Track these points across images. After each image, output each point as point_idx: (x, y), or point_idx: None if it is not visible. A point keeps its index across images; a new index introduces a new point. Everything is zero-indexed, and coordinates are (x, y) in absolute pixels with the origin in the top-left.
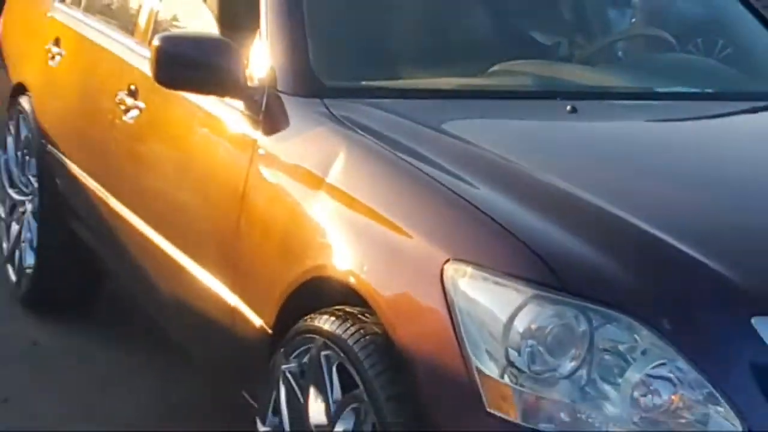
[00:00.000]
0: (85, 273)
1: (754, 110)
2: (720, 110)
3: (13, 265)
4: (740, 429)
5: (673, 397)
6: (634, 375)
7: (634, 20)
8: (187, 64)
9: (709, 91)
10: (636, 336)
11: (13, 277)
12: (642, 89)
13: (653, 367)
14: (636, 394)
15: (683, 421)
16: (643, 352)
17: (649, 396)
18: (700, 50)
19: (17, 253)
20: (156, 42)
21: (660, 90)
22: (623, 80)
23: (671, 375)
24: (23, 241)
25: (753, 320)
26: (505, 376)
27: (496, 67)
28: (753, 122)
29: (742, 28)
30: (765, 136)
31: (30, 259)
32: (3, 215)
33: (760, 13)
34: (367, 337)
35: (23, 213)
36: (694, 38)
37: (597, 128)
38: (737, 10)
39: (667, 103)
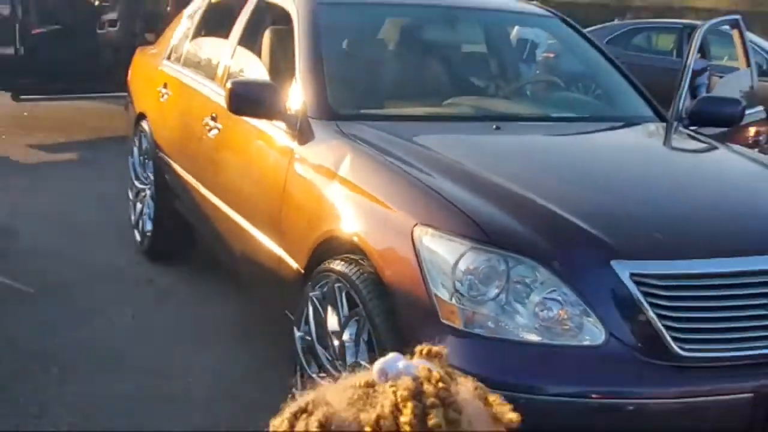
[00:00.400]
0: (184, 236)
1: (612, 127)
2: (590, 128)
3: (138, 230)
4: (603, 332)
5: (560, 311)
6: (535, 298)
7: (537, 71)
8: (249, 100)
9: (584, 115)
10: (537, 273)
11: (138, 238)
12: (542, 114)
13: (548, 293)
14: (536, 310)
15: (566, 327)
16: (542, 283)
17: (545, 311)
18: (580, 90)
19: (140, 222)
20: (228, 85)
21: (554, 115)
22: (530, 109)
23: (559, 298)
24: (144, 215)
25: (612, 262)
26: (453, 299)
27: (449, 101)
28: (611, 134)
29: (606, 76)
30: (617, 143)
31: (148, 226)
32: (132, 197)
33: (618, 65)
34: (365, 275)
35: (144, 196)
36: (576, 83)
37: (513, 139)
38: (603, 65)
39: (558, 123)
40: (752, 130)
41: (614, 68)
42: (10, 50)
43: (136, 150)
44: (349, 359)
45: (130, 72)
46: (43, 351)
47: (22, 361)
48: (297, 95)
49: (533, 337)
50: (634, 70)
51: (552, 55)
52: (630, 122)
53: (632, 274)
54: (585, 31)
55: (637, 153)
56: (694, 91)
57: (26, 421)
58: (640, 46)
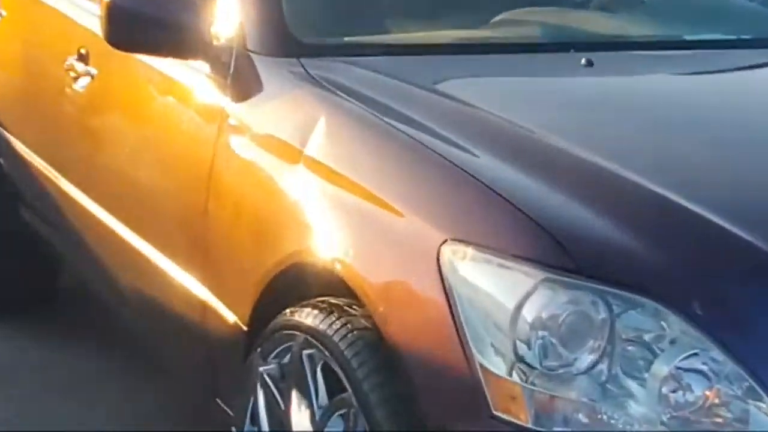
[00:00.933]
0: (38, 267)
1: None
2: (759, 59)
3: None
4: None
5: (707, 392)
6: (661, 368)
7: None
8: (143, 22)
9: (747, 37)
10: (663, 323)
11: None
12: (669, 37)
13: (684, 359)
14: (664, 390)
15: (720, 419)
16: (672, 342)
17: (680, 392)
18: None
19: None
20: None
21: (689, 38)
22: (647, 28)
23: (705, 367)
24: None
25: None
26: (514, 374)
27: (500, 17)
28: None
29: None
30: None
31: None
32: None
33: None
34: (355, 332)
35: None
36: None
37: (616, 84)
38: None
39: (698, 53)
40: None
41: None
42: None
43: None
44: None
45: None
46: None
47: None
48: (229, 12)
49: None
50: None
51: None
52: None
53: None
54: None
55: None
56: None
57: None
58: None
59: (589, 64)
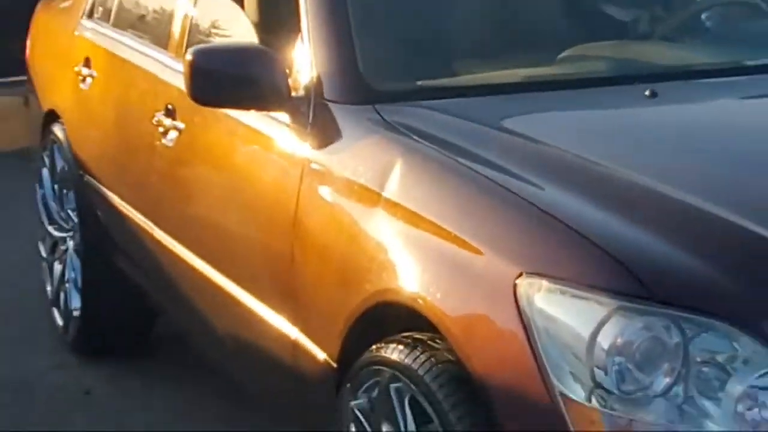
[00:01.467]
0: (135, 312)
1: None
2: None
3: (59, 309)
4: None
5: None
6: (736, 387)
7: None
8: (223, 79)
9: None
10: (735, 344)
11: (60, 322)
12: (730, 63)
13: (758, 377)
14: (740, 408)
15: None
16: (745, 362)
17: (756, 409)
18: None
19: (62, 295)
20: (189, 56)
21: (751, 63)
22: (709, 55)
23: None
24: (67, 282)
25: None
26: (593, 399)
27: (566, 53)
28: None
29: None
30: None
31: (76, 301)
32: (44, 254)
33: None
34: (439, 366)
35: (65, 251)
36: None
37: (680, 113)
38: None
39: (761, 78)
40: None
41: None
42: None
43: (46, 173)
44: None
45: (29, 43)
46: None
47: None
48: (306, 65)
49: None
50: None
51: None
52: None
53: None
54: None
55: None
56: None
57: None
58: None
59: (653, 95)
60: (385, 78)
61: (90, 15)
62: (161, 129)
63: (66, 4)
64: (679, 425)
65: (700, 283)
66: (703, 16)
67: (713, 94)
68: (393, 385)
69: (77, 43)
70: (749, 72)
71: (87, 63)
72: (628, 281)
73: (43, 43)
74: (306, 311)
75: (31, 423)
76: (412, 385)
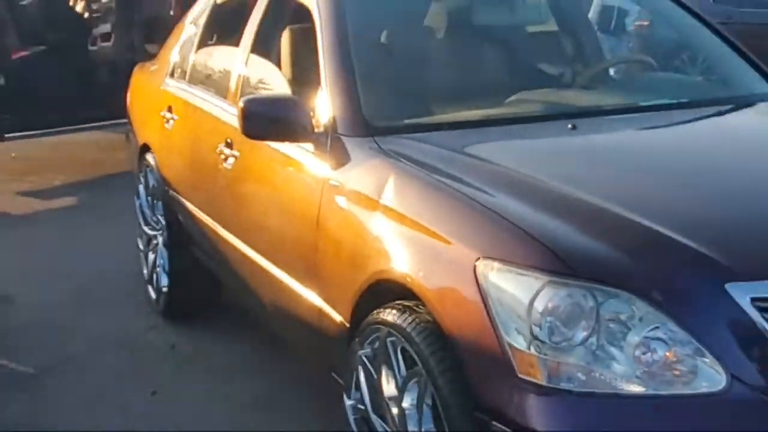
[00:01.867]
0: (206, 287)
1: (720, 112)
2: (692, 115)
3: (152, 286)
4: (723, 375)
5: (667, 353)
6: (634, 338)
7: (630, 45)
8: (266, 120)
9: (684, 100)
10: (633, 307)
11: (153, 295)
12: (630, 104)
13: (649, 331)
14: (637, 353)
15: (677, 372)
16: (640, 319)
17: (648, 354)
18: (679, 68)
19: (154, 276)
20: (241, 103)
21: (644, 103)
22: (615, 98)
23: (664, 336)
24: (158, 266)
25: (727, 286)
26: (531, 348)
27: (512, 98)
28: (720, 121)
29: (710, 46)
30: (728, 133)
31: (164, 281)
32: (141, 247)
33: (723, 33)
34: (421, 325)
35: (156, 244)
36: (673, 60)
37: (593, 140)
38: (705, 32)
39: (651, 114)
40: None
41: (720, 37)
42: None
43: (142, 189)
44: (412, 429)
45: (128, 94)
46: None
47: None
48: (324, 109)
49: (636, 388)
50: (752, 32)
51: (644, 25)
52: (743, 103)
53: (753, 299)
54: None
55: (755, 144)
56: None
57: None
58: (758, 0)
59: (574, 127)
60: (381, 118)
61: (171, 75)
62: (222, 156)
63: (154, 67)
64: (594, 365)
65: (608, 263)
66: (610, 71)
67: (617, 126)
68: (389, 339)
69: (162, 95)
70: (643, 110)
71: (169, 109)
72: (556, 262)
73: (139, 95)
74: (327, 286)
75: (133, 370)
76: (403, 339)
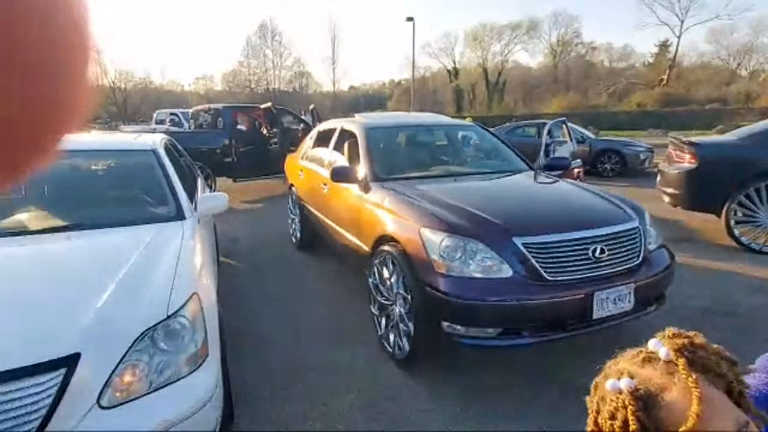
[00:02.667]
0: (314, 238)
1: (507, 174)
2: (498, 175)
3: (294, 237)
4: (511, 270)
5: (490, 263)
6: (478, 257)
7: (472, 150)
8: (340, 174)
9: (494, 170)
10: (478, 246)
11: (294, 240)
12: (475, 171)
13: (484, 255)
14: (479, 263)
15: (494, 269)
16: (480, 251)
17: (483, 262)
18: (492, 158)
19: (294, 232)
20: (330, 168)
21: (480, 171)
22: (469, 169)
23: (488, 256)
24: (296, 230)
25: (513, 238)
26: (440, 260)
27: (431, 169)
28: (508, 177)
29: (504, 151)
30: (511, 181)
31: (298, 235)
32: (290, 222)
33: (509, 145)
34: (399, 251)
35: (294, 220)
36: (489, 155)
37: (462, 183)
38: (501, 146)
39: (483, 174)
40: (575, 172)
41: (507, 146)
42: (230, 158)
43: (290, 200)
44: (395, 289)
45: (285, 165)
46: (252, 294)
47: (246, 293)
48: (362, 170)
49: (479, 275)
50: (517, 146)
51: (479, 142)
52: (516, 171)
53: (523, 243)
54: (492, 129)
55: (522, 185)
56: (548, 153)
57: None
58: (520, 134)
59: (455, 180)
60: (383, 174)
61: (302, 157)
62: (322, 188)
63: (295, 154)
64: (462, 267)
65: (467, 229)
66: (466, 159)
67: (470, 179)
68: (387, 256)
69: (299, 164)
70: (480, 173)
71: (301, 170)
72: (448, 228)
73: (289, 165)
74: (363, 237)
75: (287, 269)
76: (392, 256)
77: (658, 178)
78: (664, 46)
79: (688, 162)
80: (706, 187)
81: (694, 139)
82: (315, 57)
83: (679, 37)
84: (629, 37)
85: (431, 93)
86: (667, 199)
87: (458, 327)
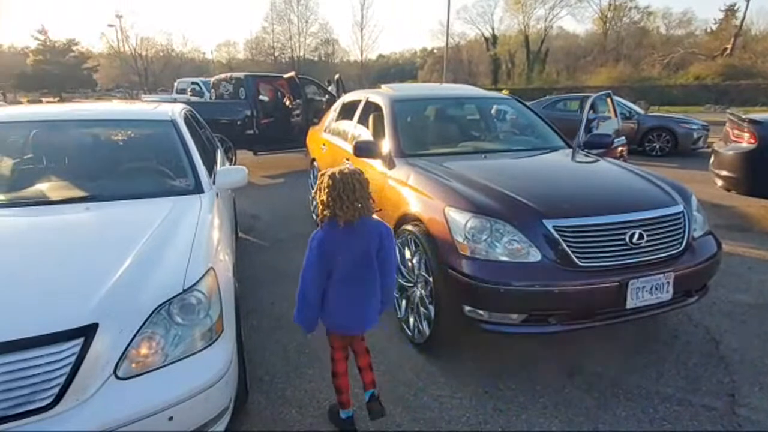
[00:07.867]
0: None
1: (543, 152)
2: (533, 153)
3: (313, 213)
4: (540, 255)
5: (518, 246)
6: (505, 239)
7: (507, 126)
8: (364, 149)
9: (529, 147)
10: (506, 227)
11: (313, 217)
12: (508, 148)
13: (511, 237)
14: (506, 245)
15: (522, 253)
16: (508, 232)
17: (510, 245)
18: (527, 134)
19: (313, 208)
20: (354, 143)
21: (514, 148)
22: (501, 146)
23: (516, 239)
24: (314, 204)
25: (543, 220)
26: (464, 241)
27: (460, 144)
28: (543, 156)
29: (540, 127)
30: (546, 159)
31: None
32: (310, 198)
33: (547, 121)
34: (421, 231)
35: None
36: (525, 131)
37: (493, 161)
38: (539, 121)
39: (516, 152)
40: (618, 150)
41: (545, 122)
42: (251, 131)
43: (311, 175)
44: (416, 271)
45: (307, 138)
46: (271, 268)
47: (264, 271)
48: (387, 146)
49: (505, 259)
50: (557, 122)
51: (514, 117)
52: (553, 149)
53: (554, 226)
54: (529, 103)
55: (557, 164)
56: (590, 130)
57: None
58: (561, 109)
59: (485, 157)
60: (408, 150)
61: (325, 130)
62: (346, 161)
63: (318, 127)
64: (488, 249)
65: (494, 209)
66: (499, 135)
67: (502, 156)
68: (409, 236)
69: (322, 138)
70: (513, 151)
71: (324, 144)
72: (475, 208)
73: (312, 139)
74: (386, 215)
75: (305, 247)
76: (415, 236)
77: (712, 159)
78: (730, 11)
79: (747, 142)
80: (767, 171)
81: (755, 116)
82: (343, 23)
83: (748, 1)
84: (690, 0)
85: (466, 63)
86: (719, 182)
87: (481, 312)
